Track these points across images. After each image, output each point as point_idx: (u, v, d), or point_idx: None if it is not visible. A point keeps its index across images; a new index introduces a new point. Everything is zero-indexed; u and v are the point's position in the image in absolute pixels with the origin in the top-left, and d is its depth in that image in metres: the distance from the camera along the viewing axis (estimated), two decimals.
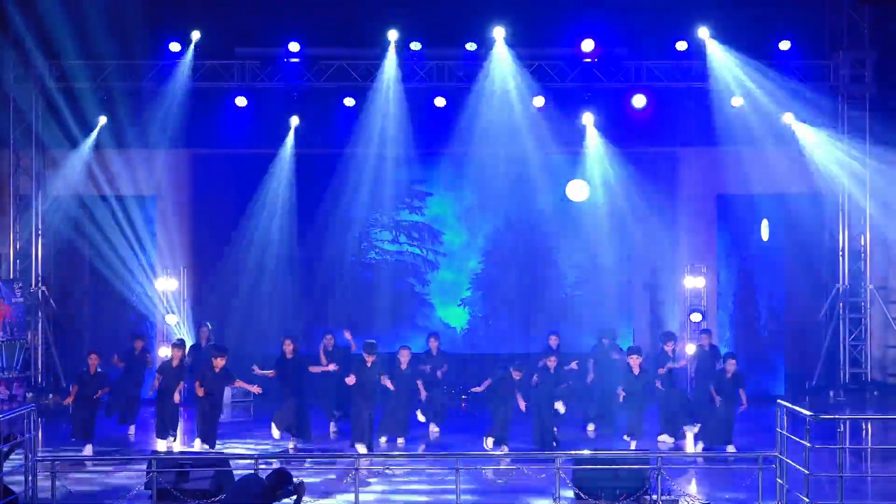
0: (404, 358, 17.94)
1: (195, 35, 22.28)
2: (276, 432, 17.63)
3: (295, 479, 10.64)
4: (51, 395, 22.30)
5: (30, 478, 13.16)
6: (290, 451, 17.12)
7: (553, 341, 18.81)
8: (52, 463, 13.74)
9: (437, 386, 18.62)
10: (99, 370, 17.31)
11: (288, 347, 17.70)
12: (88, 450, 16.86)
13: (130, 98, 22.40)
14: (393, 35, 22.19)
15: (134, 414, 19.01)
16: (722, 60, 22.30)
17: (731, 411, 16.98)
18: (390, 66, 22.45)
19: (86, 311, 23.17)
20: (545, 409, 17.35)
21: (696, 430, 18.40)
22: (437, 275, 23.76)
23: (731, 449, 16.75)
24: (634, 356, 16.77)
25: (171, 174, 23.25)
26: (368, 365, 17.03)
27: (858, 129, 22.82)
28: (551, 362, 17.62)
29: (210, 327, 20.53)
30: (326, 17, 22.56)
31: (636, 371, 16.60)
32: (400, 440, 17.86)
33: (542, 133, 22.81)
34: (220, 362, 16.91)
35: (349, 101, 22.69)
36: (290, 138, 23.02)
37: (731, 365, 17.16)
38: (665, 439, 17.75)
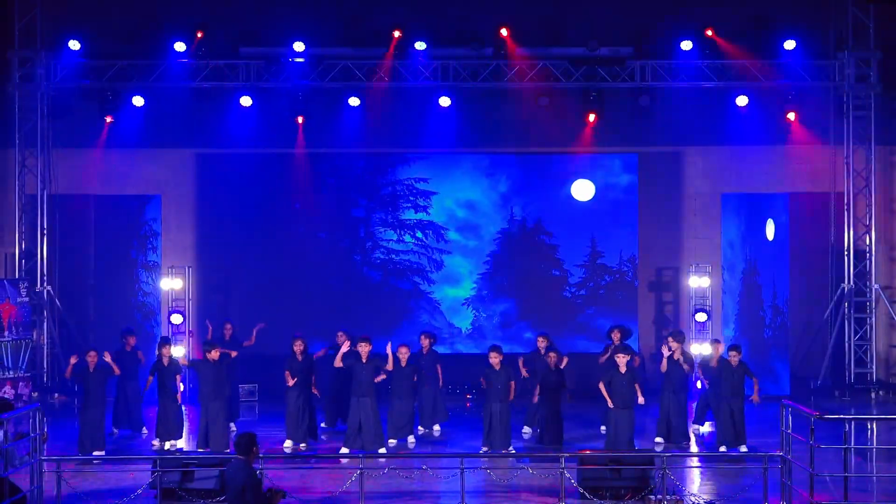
0: (403, 356, 17.84)
1: (200, 35, 22.29)
2: (289, 445, 17.48)
3: (273, 489, 10.71)
4: (56, 395, 22.33)
5: (35, 477, 13.18)
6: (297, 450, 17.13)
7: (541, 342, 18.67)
8: (58, 462, 13.78)
9: (431, 384, 18.50)
10: (98, 366, 17.04)
11: (298, 348, 17.52)
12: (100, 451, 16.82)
13: (135, 97, 22.42)
14: (397, 35, 22.18)
15: (140, 415, 18.98)
16: (727, 60, 22.28)
17: (739, 408, 16.93)
18: (395, 65, 22.45)
19: (91, 311, 23.21)
20: (550, 404, 17.44)
21: (705, 429, 18.44)
22: (442, 274, 23.76)
23: (742, 449, 16.68)
24: (621, 355, 16.70)
25: (176, 174, 23.30)
26: (364, 360, 16.83)
27: (863, 128, 22.81)
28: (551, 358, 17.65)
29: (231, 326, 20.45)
30: (331, 17, 22.60)
31: (623, 370, 16.51)
32: (410, 439, 17.88)
33: (547, 132, 22.84)
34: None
35: (354, 101, 22.70)
36: (296, 138, 23.03)
37: (735, 357, 17.11)
38: (659, 441, 17.67)
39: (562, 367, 17.52)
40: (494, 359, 17.01)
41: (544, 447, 17.05)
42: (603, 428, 18.44)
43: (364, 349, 16.84)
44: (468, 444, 17.41)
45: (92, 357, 17.03)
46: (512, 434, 17.09)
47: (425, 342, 18.85)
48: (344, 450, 16.63)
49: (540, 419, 17.69)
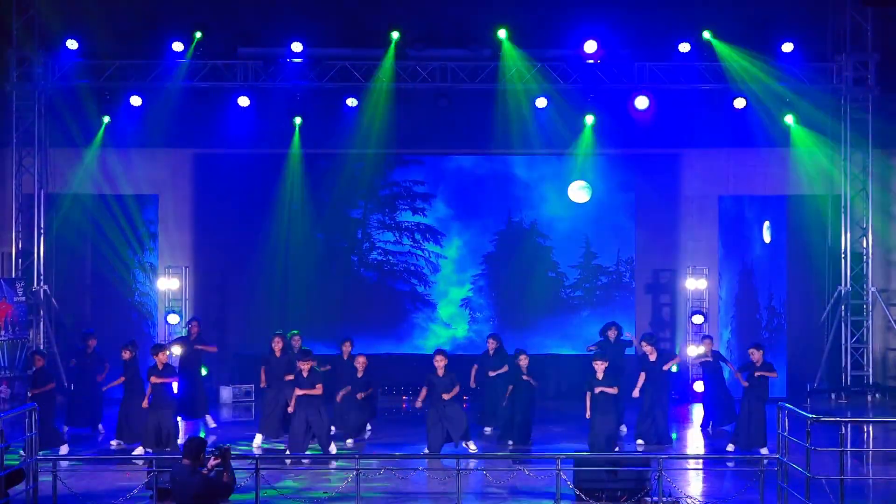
0: (360, 365, 17.90)
1: (198, 35, 22.26)
2: (259, 439, 17.67)
3: (223, 447, 10.74)
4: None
5: (31, 477, 13.17)
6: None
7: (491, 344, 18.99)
8: (54, 462, 13.77)
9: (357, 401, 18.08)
10: (43, 368, 17.35)
11: (277, 346, 17.60)
12: (64, 450, 16.84)
13: (133, 97, 22.41)
14: (395, 35, 22.15)
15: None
16: (724, 62, 22.28)
17: (760, 410, 16.83)
18: (393, 66, 22.44)
19: (87, 311, 23.18)
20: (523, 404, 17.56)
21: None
22: (439, 276, 23.78)
23: (764, 451, 16.62)
24: (599, 362, 16.69)
25: (174, 174, 23.28)
26: (305, 374, 16.67)
27: (861, 131, 22.80)
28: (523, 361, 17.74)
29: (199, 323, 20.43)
30: (329, 18, 22.58)
31: (600, 376, 16.53)
32: (349, 441, 17.89)
33: (545, 134, 22.84)
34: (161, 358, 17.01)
35: (352, 102, 22.69)
36: (293, 138, 23.02)
37: (756, 354, 17.05)
38: (640, 443, 17.70)
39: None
40: (439, 362, 16.97)
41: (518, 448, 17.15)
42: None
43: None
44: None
45: (38, 361, 17.47)
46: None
47: (346, 349, 18.60)
48: None
49: (508, 420, 17.72)
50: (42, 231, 22.80)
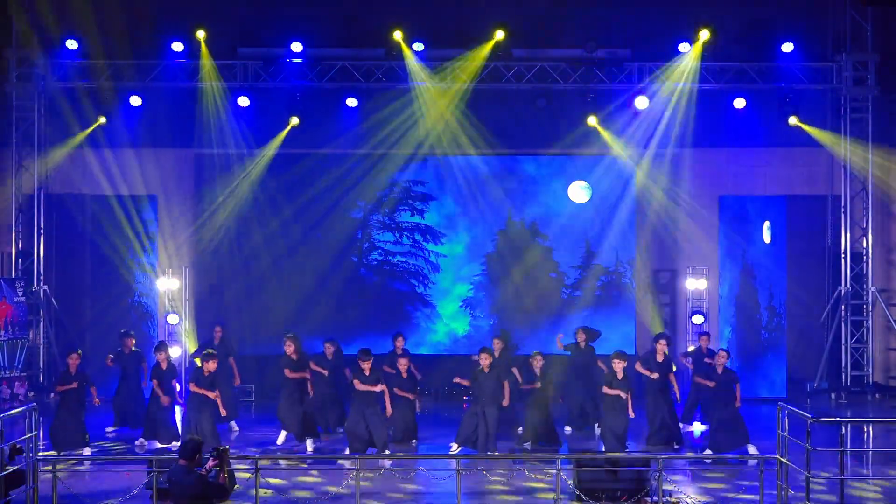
0: (402, 367, 17.90)
1: (198, 34, 22.25)
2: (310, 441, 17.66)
3: (220, 447, 10.83)
4: (52, 395, 22.28)
5: (31, 477, 13.18)
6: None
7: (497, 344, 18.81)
8: (54, 463, 13.77)
9: (405, 401, 17.97)
10: (79, 369, 17.18)
11: (289, 348, 17.63)
12: (86, 451, 16.82)
13: (133, 97, 22.40)
14: (397, 36, 22.14)
15: (140, 415, 19.01)
16: (725, 62, 22.27)
17: (735, 410, 16.84)
18: (393, 66, 22.44)
19: (87, 311, 23.19)
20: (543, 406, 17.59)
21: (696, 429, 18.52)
22: (439, 276, 23.76)
23: (752, 450, 16.60)
24: (617, 360, 16.69)
25: (173, 174, 23.27)
26: (367, 373, 16.73)
27: (861, 130, 22.81)
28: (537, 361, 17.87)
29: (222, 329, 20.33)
30: (329, 18, 22.59)
31: (619, 376, 16.56)
32: (413, 441, 17.89)
33: (545, 134, 22.83)
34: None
35: (351, 102, 22.69)
36: (293, 138, 23.01)
37: (722, 358, 17.06)
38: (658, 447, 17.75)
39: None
40: (485, 360, 17.00)
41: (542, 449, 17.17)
42: (568, 428, 18.56)
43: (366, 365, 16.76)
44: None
45: (73, 360, 17.16)
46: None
47: (399, 344, 18.88)
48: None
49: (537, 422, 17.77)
50: (42, 231, 22.81)
